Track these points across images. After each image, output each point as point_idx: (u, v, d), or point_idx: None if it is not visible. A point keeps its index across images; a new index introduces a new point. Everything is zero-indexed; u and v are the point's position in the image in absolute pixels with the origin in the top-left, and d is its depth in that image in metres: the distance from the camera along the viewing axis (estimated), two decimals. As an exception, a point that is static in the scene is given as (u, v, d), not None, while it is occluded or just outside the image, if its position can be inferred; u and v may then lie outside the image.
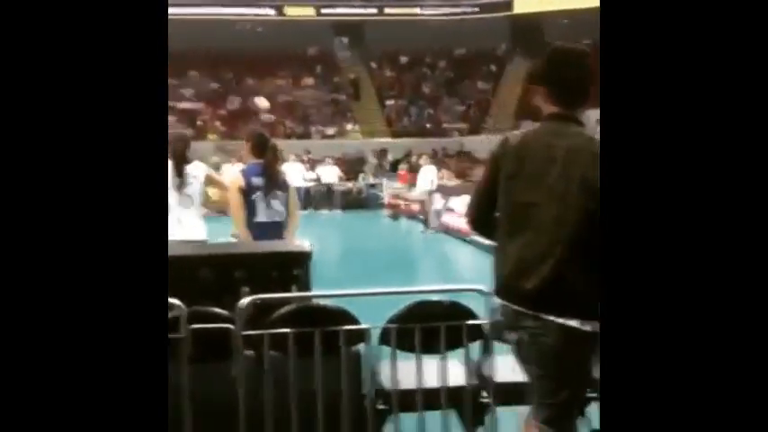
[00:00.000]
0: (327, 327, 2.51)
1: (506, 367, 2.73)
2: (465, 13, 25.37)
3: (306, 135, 23.19)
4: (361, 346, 2.61)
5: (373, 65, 26.22)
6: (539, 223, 2.08)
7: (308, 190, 17.11)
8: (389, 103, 25.22)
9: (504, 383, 2.72)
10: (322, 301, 2.82)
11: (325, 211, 17.53)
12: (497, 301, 2.22)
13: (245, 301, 2.57)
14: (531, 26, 24.15)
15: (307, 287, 3.23)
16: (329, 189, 18.29)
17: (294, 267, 3.27)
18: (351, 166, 19.84)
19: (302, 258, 3.35)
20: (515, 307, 2.13)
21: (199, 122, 23.01)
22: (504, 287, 2.17)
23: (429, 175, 14.30)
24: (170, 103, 24.03)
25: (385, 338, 2.63)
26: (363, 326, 2.60)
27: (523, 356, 2.19)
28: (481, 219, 2.34)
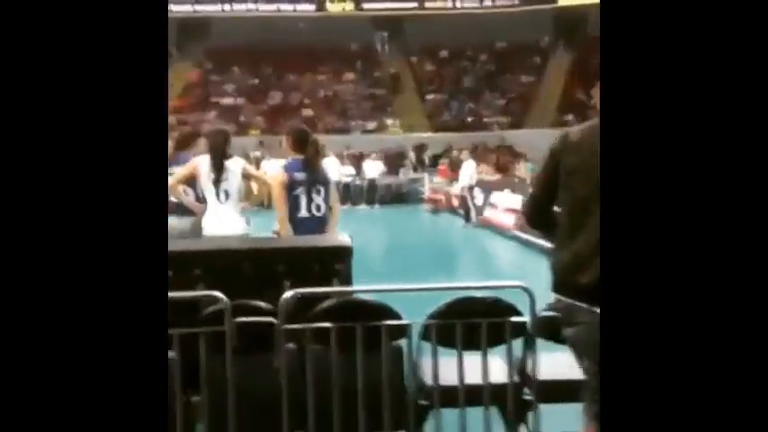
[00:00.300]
0: (369, 321, 2.52)
1: (549, 365, 2.70)
2: (506, 6, 25.11)
3: (345, 130, 23.29)
4: (402, 342, 2.60)
5: (413, 59, 26.17)
6: (597, 218, 2.06)
7: (346, 185, 17.17)
8: (430, 97, 25.15)
9: (547, 381, 2.69)
10: (363, 296, 2.82)
11: (364, 206, 17.58)
12: (553, 295, 2.21)
13: (287, 294, 2.59)
14: (576, 18, 23.78)
15: (348, 282, 3.24)
16: (372, 184, 18.34)
17: (335, 262, 3.29)
18: (391, 161, 19.85)
19: (343, 253, 3.36)
20: (571, 301, 2.11)
21: (241, 118, 23.31)
22: (561, 281, 2.16)
23: (469, 170, 14.22)
24: (213, 99, 24.43)
25: (426, 334, 2.62)
26: (405, 321, 2.59)
27: (579, 351, 2.16)
28: (539, 215, 2.33)
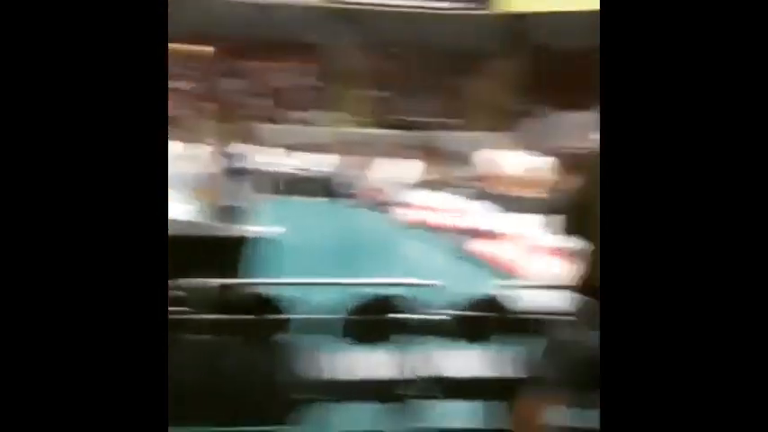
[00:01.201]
0: (252, 314, 2.50)
1: (444, 362, 2.74)
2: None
3: (285, 120, 23.02)
4: (284, 335, 2.59)
5: (363, 53, 26.02)
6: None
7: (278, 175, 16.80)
8: (373, 93, 25.07)
9: (439, 377, 2.73)
10: (258, 289, 2.80)
11: (294, 198, 17.23)
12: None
13: (191, 282, 2.55)
14: (515, 25, 24.17)
15: (251, 273, 3.22)
16: (302, 176, 18.07)
17: (240, 252, 3.26)
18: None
19: (246, 244, 3.33)
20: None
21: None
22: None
23: (399, 168, 14.22)
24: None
25: (341, 329, 2.60)
26: (284, 316, 2.58)
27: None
28: None
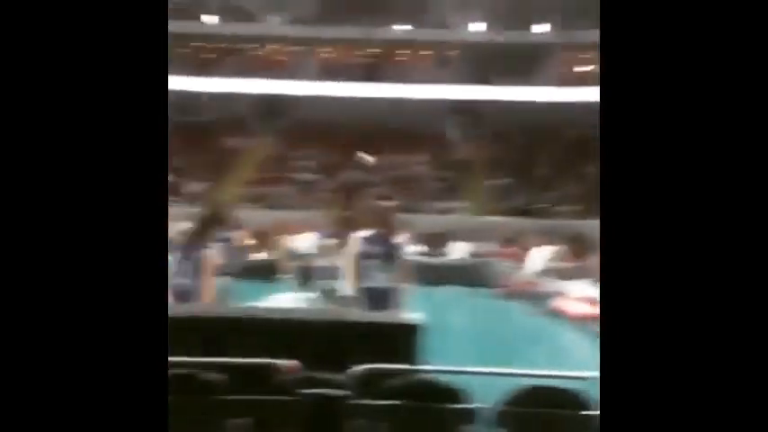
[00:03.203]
0: (437, 403, 2.45)
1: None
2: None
3: (415, 210, 23.41)
4: (471, 427, 2.51)
5: (485, 143, 26.41)
6: None
7: (416, 263, 16.90)
8: (499, 182, 25.14)
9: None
10: (435, 377, 2.76)
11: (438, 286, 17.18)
12: None
13: (359, 369, 2.56)
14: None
15: (414, 360, 3.18)
16: (449, 264, 17.93)
17: (402, 339, 3.25)
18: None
19: (410, 331, 3.32)
20: None
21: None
22: None
23: (541, 256, 13.90)
24: (288, 175, 25.16)
25: (501, 421, 2.51)
26: (473, 405, 2.51)
27: None
28: None
